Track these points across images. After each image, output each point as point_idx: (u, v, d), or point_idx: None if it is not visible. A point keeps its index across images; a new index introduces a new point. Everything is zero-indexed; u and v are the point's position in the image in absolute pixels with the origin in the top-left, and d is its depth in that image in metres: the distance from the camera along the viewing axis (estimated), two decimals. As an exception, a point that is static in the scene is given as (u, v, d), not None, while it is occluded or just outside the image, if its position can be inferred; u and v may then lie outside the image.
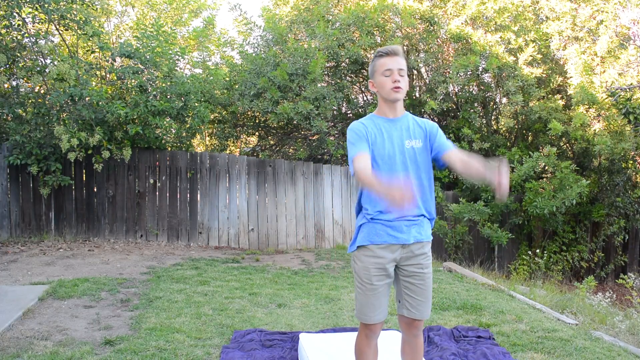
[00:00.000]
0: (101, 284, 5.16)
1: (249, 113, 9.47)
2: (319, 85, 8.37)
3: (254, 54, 9.30)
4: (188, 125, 8.18)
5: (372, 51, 9.46)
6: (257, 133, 10.33)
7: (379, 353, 2.60)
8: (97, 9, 9.12)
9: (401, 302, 2.51)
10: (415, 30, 9.10)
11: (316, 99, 8.19)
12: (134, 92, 7.74)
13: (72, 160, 7.24)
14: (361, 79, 10.19)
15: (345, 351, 3.17)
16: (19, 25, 7.52)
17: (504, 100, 9.24)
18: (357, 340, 2.55)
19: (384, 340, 3.12)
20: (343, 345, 3.29)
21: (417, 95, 9.89)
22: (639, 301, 5.87)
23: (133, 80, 7.60)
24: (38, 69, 7.54)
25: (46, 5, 7.25)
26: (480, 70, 9.01)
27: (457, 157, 2.43)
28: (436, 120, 9.77)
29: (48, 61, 7.73)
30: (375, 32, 9.07)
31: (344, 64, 9.14)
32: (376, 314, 2.44)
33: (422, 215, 2.48)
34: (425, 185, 2.48)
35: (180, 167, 8.00)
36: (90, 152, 7.44)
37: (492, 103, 9.77)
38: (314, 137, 9.44)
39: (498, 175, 2.18)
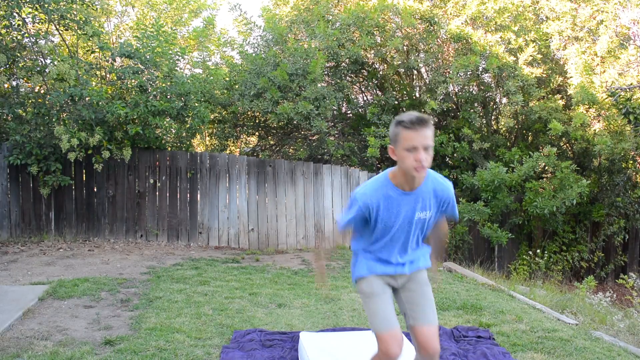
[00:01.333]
0: (101, 284, 5.16)
1: (249, 113, 9.46)
2: (319, 85, 8.37)
3: (254, 54, 9.29)
4: (188, 125, 8.17)
5: (372, 51, 9.46)
6: (257, 133, 10.32)
7: None
8: (97, 9, 9.12)
9: (406, 315, 2.53)
10: (415, 30, 9.09)
11: (316, 99, 8.19)
12: (134, 92, 7.73)
13: (72, 160, 7.23)
14: (361, 79, 10.19)
15: (345, 351, 3.17)
16: (19, 25, 7.52)
17: (504, 100, 9.24)
18: None
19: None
20: (343, 344, 3.29)
21: (417, 95, 9.89)
22: (639, 301, 5.87)
23: (133, 80, 7.60)
24: (38, 69, 7.53)
25: (46, 5, 7.25)
26: (480, 70, 9.00)
27: (437, 226, 2.60)
28: (436, 120, 9.77)
29: (48, 61, 7.72)
30: (375, 32, 9.06)
31: (344, 64, 9.13)
32: (385, 322, 2.42)
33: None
34: (421, 244, 2.55)
35: (180, 167, 8.00)
36: (90, 152, 7.44)
37: (492, 103, 9.77)
38: (314, 137, 9.43)
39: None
